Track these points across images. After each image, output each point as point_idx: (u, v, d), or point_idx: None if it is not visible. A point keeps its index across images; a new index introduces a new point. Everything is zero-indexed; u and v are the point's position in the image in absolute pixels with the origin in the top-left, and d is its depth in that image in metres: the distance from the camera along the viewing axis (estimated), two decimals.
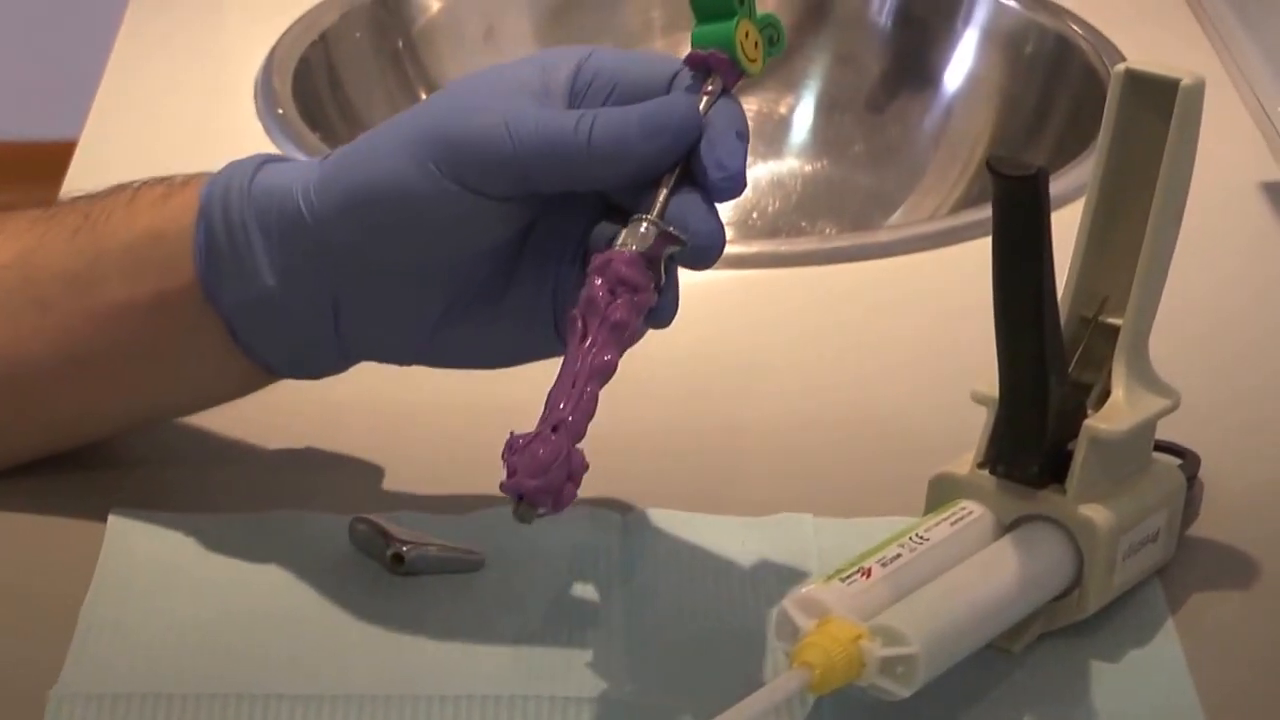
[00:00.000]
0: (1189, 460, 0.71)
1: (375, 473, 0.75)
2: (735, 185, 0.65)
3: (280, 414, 0.77)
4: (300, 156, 0.91)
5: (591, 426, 0.77)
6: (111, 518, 0.71)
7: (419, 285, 0.68)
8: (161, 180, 0.71)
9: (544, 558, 0.70)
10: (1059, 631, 0.66)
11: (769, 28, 0.68)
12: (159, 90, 1.07)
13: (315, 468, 0.75)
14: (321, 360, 0.71)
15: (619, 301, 0.63)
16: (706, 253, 0.65)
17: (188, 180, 0.70)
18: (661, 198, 0.65)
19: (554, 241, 0.69)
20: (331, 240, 0.67)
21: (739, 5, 0.67)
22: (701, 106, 0.66)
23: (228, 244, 0.68)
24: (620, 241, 0.64)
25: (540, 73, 0.68)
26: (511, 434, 0.62)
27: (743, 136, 0.66)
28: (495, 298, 0.69)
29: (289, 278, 0.68)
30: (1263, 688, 0.65)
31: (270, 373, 0.72)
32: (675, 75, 0.67)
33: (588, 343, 0.63)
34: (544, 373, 0.64)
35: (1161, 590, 0.68)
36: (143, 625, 0.66)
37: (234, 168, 0.70)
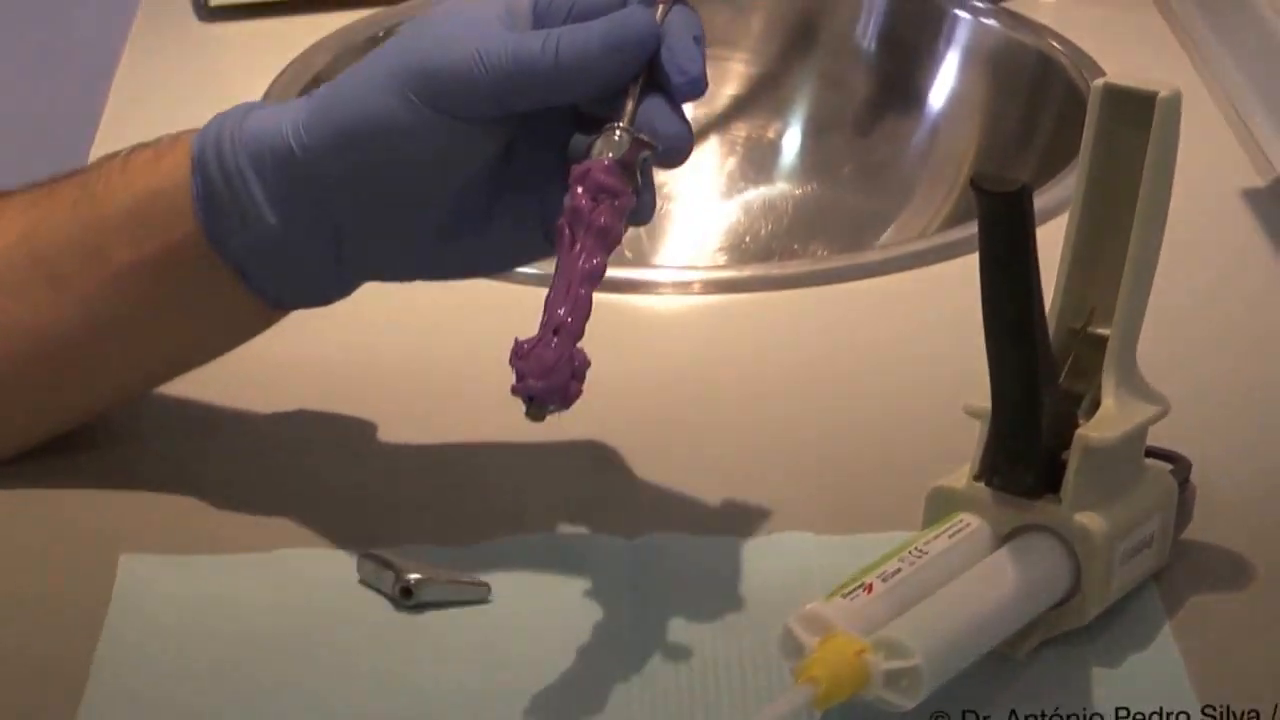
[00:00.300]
0: (1180, 465, 0.72)
1: (380, 506, 0.75)
2: (697, 87, 0.68)
3: (283, 449, 0.78)
4: None
5: (593, 451, 0.79)
6: (122, 560, 0.71)
7: (413, 208, 0.71)
8: (150, 144, 0.74)
9: (551, 586, 0.70)
10: (1059, 638, 0.67)
11: None
12: (156, 134, 1.08)
13: (321, 503, 0.75)
14: (328, 287, 0.73)
15: (601, 208, 0.66)
16: (676, 152, 0.69)
17: (176, 138, 0.73)
18: (630, 105, 0.68)
19: (536, 154, 0.72)
20: (324, 174, 0.70)
21: None
22: (658, 15, 0.69)
23: (225, 189, 0.71)
24: (597, 151, 0.67)
25: (507, 7, 0.70)
26: (516, 340, 0.65)
27: (699, 40, 0.69)
28: (487, 212, 0.72)
29: (287, 213, 0.70)
30: (1259, 688, 0.66)
31: (280, 307, 0.74)
32: None
33: (576, 248, 0.66)
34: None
35: (1158, 594, 0.69)
36: (155, 666, 0.67)
37: (222, 118, 0.72)
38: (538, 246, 0.72)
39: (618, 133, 0.68)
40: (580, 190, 0.67)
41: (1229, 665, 0.67)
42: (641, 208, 0.68)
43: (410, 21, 0.73)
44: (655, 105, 0.68)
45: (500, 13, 0.70)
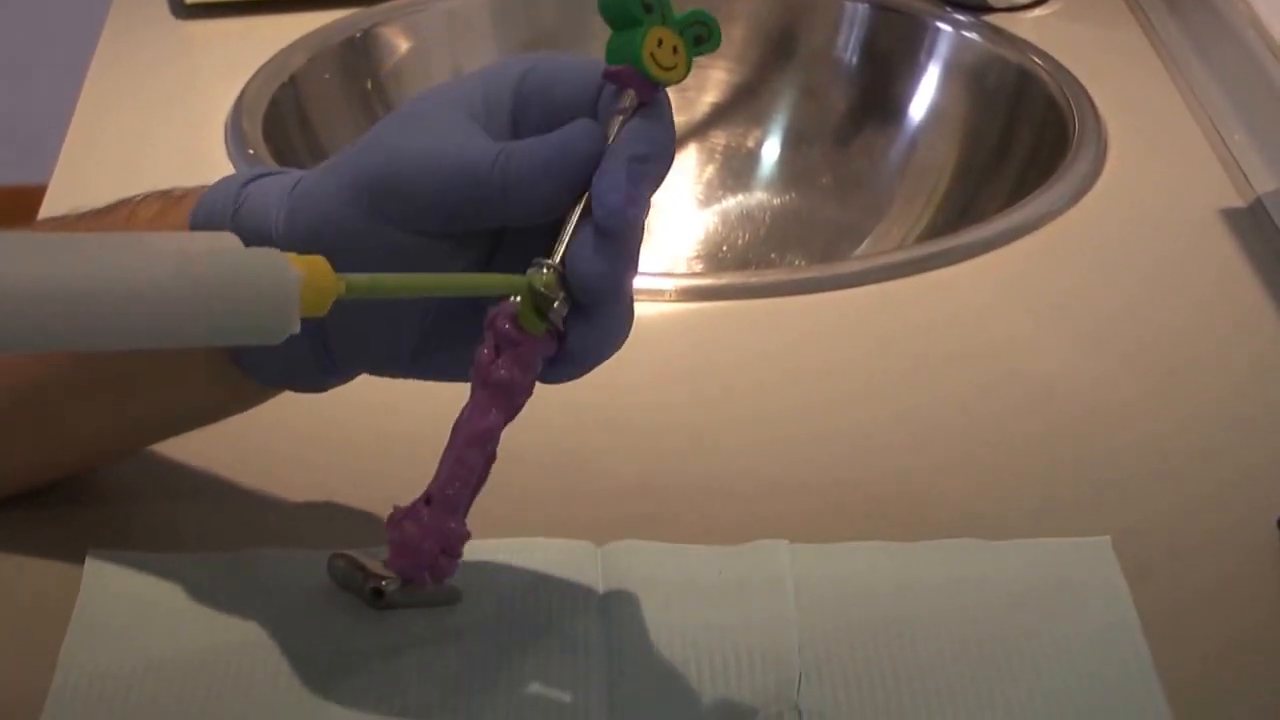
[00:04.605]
0: None
1: (351, 507, 0.75)
2: (615, 221, 0.61)
3: (253, 451, 0.77)
4: None
5: (568, 461, 0.78)
6: (89, 558, 0.71)
7: (391, 316, 0.68)
8: (160, 197, 0.70)
9: (521, 590, 0.70)
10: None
11: (695, 26, 0.62)
12: (129, 133, 1.07)
13: (291, 504, 0.75)
14: (317, 378, 0.70)
15: (501, 359, 0.61)
16: (592, 295, 0.62)
17: (178, 201, 0.69)
18: (566, 236, 0.61)
19: (515, 268, 0.66)
20: None
21: (644, 12, 0.61)
22: (616, 127, 0.62)
23: None
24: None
25: (484, 98, 0.66)
26: (394, 507, 0.61)
27: (641, 159, 0.62)
28: (468, 325, 0.67)
29: None
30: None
31: (273, 384, 0.71)
32: (601, 91, 0.64)
33: (467, 405, 0.61)
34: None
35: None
36: (122, 666, 0.66)
37: (218, 194, 0.69)
38: None
39: (543, 269, 0.61)
40: (488, 338, 0.61)
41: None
42: (568, 357, 0.62)
43: (385, 120, 0.66)
44: (581, 239, 0.61)
45: (478, 111, 0.65)
